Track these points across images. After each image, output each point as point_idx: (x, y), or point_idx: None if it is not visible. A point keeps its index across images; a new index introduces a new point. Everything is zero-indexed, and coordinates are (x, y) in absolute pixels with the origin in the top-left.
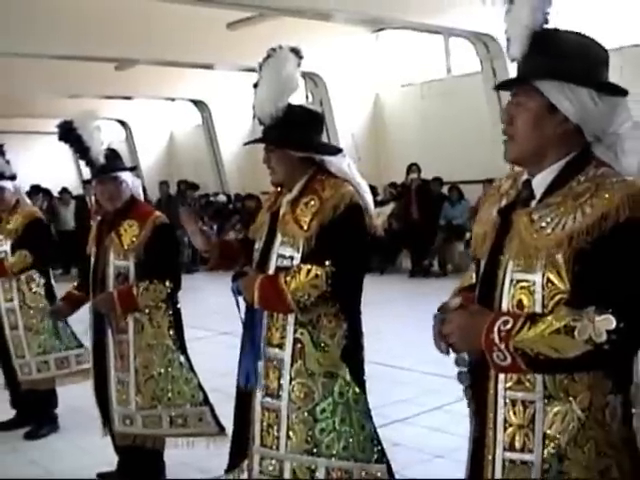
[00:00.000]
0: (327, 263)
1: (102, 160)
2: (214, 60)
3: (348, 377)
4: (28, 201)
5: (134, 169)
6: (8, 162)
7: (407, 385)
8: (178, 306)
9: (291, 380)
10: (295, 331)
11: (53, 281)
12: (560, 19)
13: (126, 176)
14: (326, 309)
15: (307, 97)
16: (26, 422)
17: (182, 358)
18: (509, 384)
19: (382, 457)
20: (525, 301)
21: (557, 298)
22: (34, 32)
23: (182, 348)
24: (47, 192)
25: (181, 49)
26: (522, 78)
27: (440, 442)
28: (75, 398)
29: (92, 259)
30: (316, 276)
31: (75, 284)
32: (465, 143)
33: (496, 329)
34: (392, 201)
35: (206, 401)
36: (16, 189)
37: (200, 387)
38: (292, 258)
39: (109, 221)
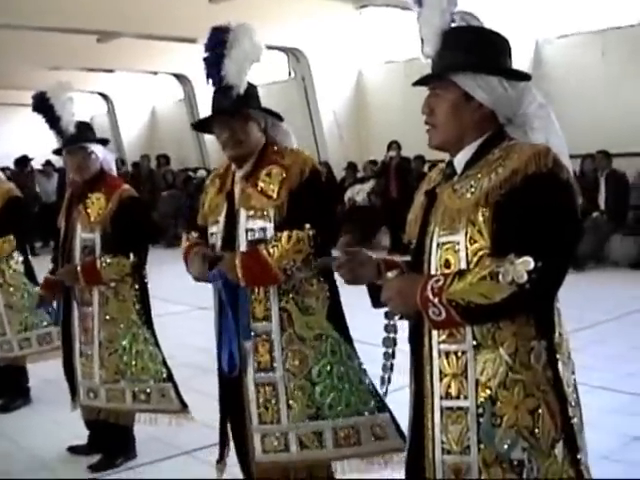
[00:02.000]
0: (307, 226)
1: (72, 130)
2: (197, 34)
3: (337, 335)
4: (2, 176)
5: (106, 142)
6: None
7: (379, 362)
8: (145, 280)
9: (283, 350)
10: (280, 300)
11: (30, 257)
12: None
13: (96, 148)
14: (306, 273)
15: (290, 73)
16: None
17: (147, 333)
18: (442, 337)
19: (383, 407)
20: (451, 260)
21: (480, 254)
22: (15, 3)
23: (148, 323)
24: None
25: (164, 23)
26: (438, 73)
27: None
28: (48, 371)
29: (61, 232)
30: (298, 241)
31: (50, 268)
32: None
33: (429, 287)
34: (372, 178)
35: (170, 377)
36: None
37: (164, 363)
38: (264, 230)
39: (77, 194)
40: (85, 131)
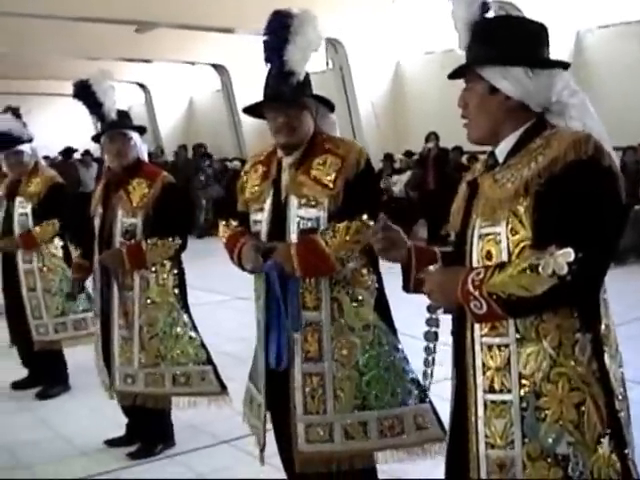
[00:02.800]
0: (365, 217)
1: (113, 116)
2: (235, 24)
3: (384, 326)
4: (45, 164)
5: (143, 131)
6: (25, 125)
7: (418, 354)
8: (182, 266)
9: (332, 339)
10: (332, 290)
11: (69, 243)
12: None
13: (135, 136)
14: (356, 264)
15: (327, 63)
16: (38, 382)
17: (185, 317)
18: (484, 331)
19: (425, 397)
20: (493, 251)
21: (522, 245)
22: None
23: (185, 307)
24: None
25: (202, 12)
26: (466, 66)
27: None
28: (87, 358)
29: (97, 220)
30: (357, 231)
31: (79, 252)
32: None
33: (470, 280)
34: (409, 170)
35: (209, 360)
36: (34, 152)
37: (203, 346)
38: (317, 219)
39: (116, 181)
40: (125, 118)
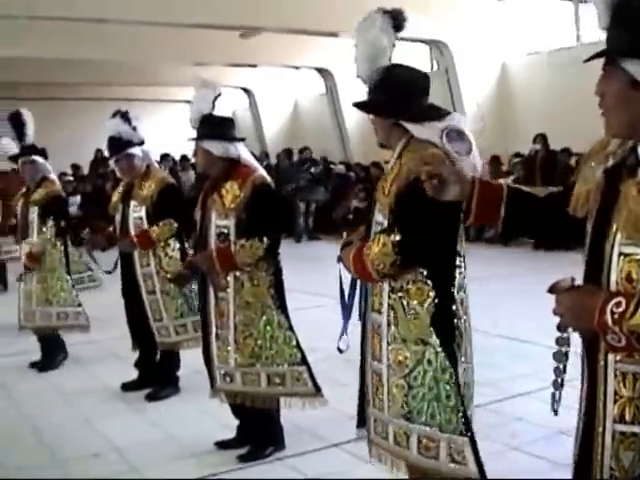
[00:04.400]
0: (394, 232)
1: (194, 125)
2: (339, 28)
3: (437, 345)
4: (157, 166)
5: (240, 140)
6: (135, 129)
7: (529, 359)
8: (280, 266)
9: (388, 345)
10: (389, 297)
11: (187, 245)
12: None
13: (222, 146)
14: (414, 276)
15: (432, 66)
16: (148, 383)
17: (282, 317)
18: (619, 357)
19: (466, 430)
20: (634, 274)
21: None
22: (161, 1)
23: (282, 307)
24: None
25: (306, 17)
26: (607, 54)
27: (563, 418)
28: (197, 360)
29: (198, 222)
30: (384, 245)
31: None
32: (594, 114)
33: (609, 311)
34: (516, 172)
35: (304, 361)
36: (145, 155)
37: (299, 347)
38: (382, 225)
39: (212, 184)
40: (211, 127)
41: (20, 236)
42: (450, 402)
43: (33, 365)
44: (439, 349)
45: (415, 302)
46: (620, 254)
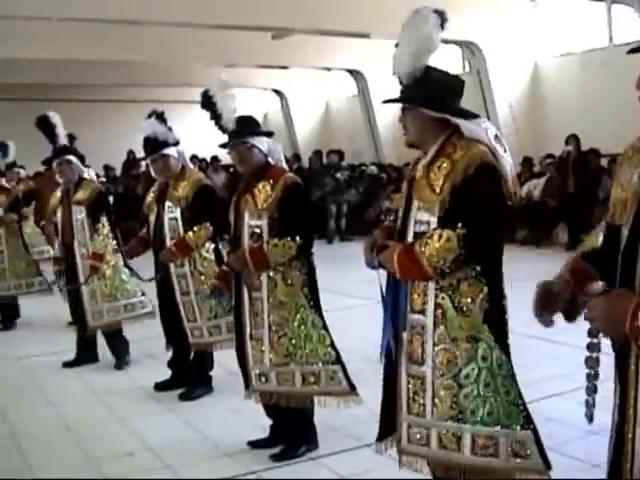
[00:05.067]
0: (459, 226)
1: (231, 126)
2: (370, 29)
3: (491, 341)
4: (192, 167)
5: (269, 135)
6: (170, 129)
7: (562, 359)
8: (313, 266)
9: (434, 346)
10: (436, 296)
11: (221, 246)
12: None
13: (258, 141)
14: (466, 273)
15: (464, 67)
16: (181, 383)
17: (316, 317)
18: None
19: (528, 423)
20: None
21: None
22: (190, 1)
23: (316, 307)
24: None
25: (337, 18)
26: None
27: (596, 419)
28: (230, 360)
29: (232, 223)
30: (448, 240)
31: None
32: (627, 115)
33: None
34: (548, 173)
35: (338, 360)
36: (180, 155)
37: (333, 346)
38: (429, 223)
39: (245, 185)
40: (246, 126)
41: (62, 239)
42: (509, 396)
43: (66, 365)
44: (493, 344)
45: (467, 299)
46: None
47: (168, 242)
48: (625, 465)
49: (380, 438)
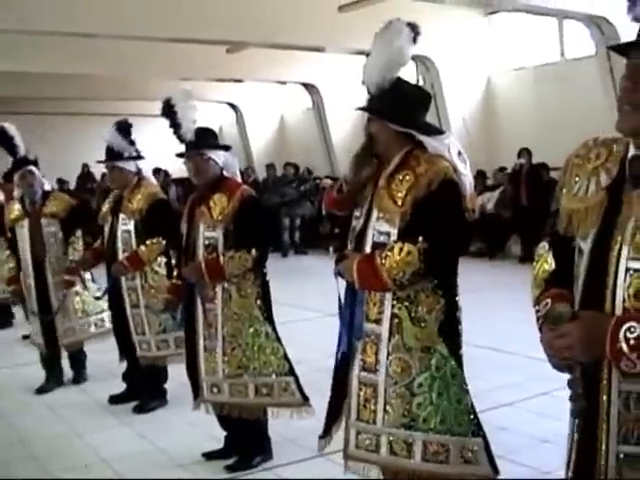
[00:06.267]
0: (420, 240)
1: (190, 137)
2: (325, 43)
3: (445, 351)
4: (154, 181)
5: (227, 148)
6: (131, 142)
7: (515, 370)
8: (267, 278)
9: (388, 355)
10: (393, 306)
11: (173, 260)
12: None
13: (215, 154)
14: (423, 285)
15: (418, 80)
16: (136, 396)
17: (269, 329)
18: (623, 377)
19: (478, 430)
20: None
21: None
22: (146, 15)
23: (269, 319)
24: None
25: (292, 32)
26: None
27: (547, 427)
28: (185, 373)
29: (184, 234)
30: (408, 253)
31: (176, 273)
32: (579, 129)
33: (622, 337)
34: (501, 186)
35: (291, 371)
36: (138, 169)
37: (286, 357)
38: (388, 234)
39: (199, 196)
40: (204, 137)
41: (31, 254)
42: (461, 405)
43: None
44: (448, 355)
45: (424, 310)
46: (627, 269)
47: (120, 254)
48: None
49: (324, 435)
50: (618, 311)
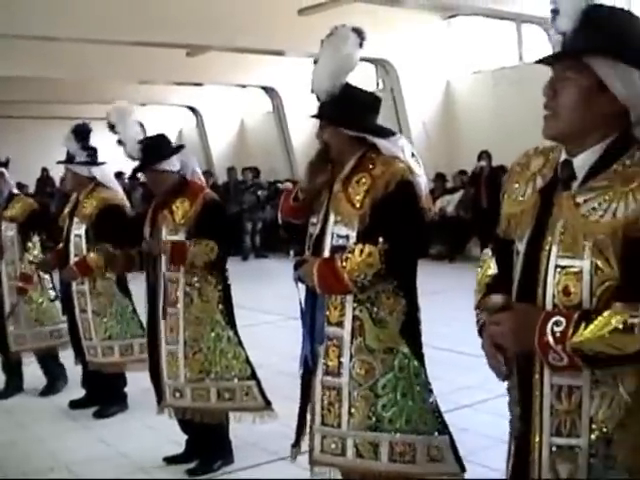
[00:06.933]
0: (380, 240)
1: (137, 155)
2: (285, 47)
3: (407, 351)
4: (112, 185)
5: (179, 149)
6: (85, 147)
7: (475, 371)
8: (228, 282)
9: (351, 357)
10: (354, 309)
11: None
12: None
13: (168, 164)
14: (384, 286)
15: (378, 84)
16: (96, 401)
17: (231, 333)
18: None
19: (444, 429)
20: (572, 288)
21: (606, 284)
22: (105, 18)
23: (231, 323)
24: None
25: (252, 36)
26: (573, 52)
27: (506, 428)
28: (144, 378)
29: (146, 237)
30: (369, 255)
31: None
32: (537, 132)
33: (549, 330)
34: (461, 189)
35: (253, 375)
36: (91, 173)
37: (248, 362)
38: (347, 237)
39: (161, 201)
40: (152, 151)
41: None
42: (425, 404)
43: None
44: (410, 355)
45: (385, 312)
46: (556, 267)
47: (72, 258)
48: (533, 473)
49: (295, 445)
50: (548, 307)
